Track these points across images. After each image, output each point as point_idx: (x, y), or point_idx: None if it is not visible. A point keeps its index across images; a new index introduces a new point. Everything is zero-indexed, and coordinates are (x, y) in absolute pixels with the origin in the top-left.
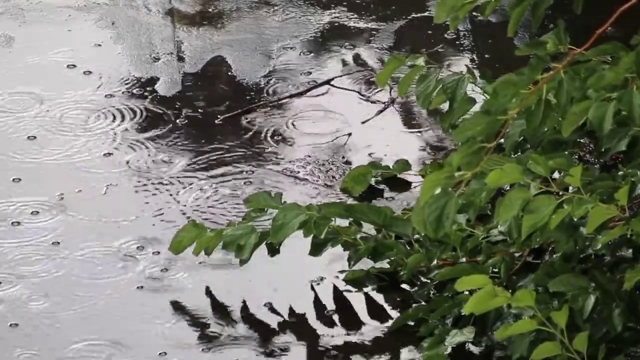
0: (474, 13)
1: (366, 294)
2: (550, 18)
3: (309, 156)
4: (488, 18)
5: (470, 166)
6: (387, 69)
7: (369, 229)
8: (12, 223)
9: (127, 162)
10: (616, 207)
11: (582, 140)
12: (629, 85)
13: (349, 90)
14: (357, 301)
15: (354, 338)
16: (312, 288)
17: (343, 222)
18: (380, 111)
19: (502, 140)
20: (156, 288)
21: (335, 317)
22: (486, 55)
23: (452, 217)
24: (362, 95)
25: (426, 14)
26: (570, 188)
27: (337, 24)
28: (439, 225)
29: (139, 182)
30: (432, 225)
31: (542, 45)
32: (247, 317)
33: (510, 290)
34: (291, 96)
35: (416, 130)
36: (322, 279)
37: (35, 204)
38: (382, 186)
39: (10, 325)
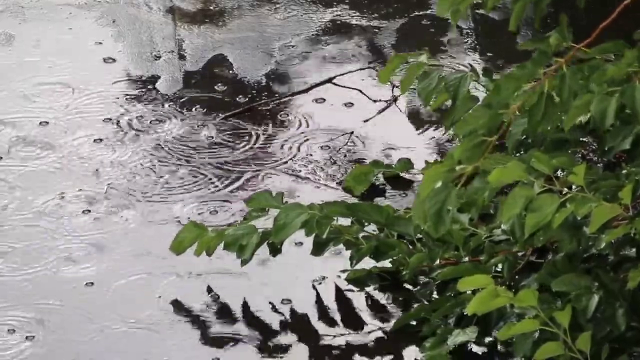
0: (477, 10)
1: (368, 294)
2: (553, 16)
3: (311, 155)
4: (490, 15)
5: (471, 160)
6: (390, 66)
7: (371, 228)
8: None
9: (128, 162)
10: (620, 206)
11: (585, 139)
12: (632, 80)
13: (351, 88)
14: (359, 301)
15: (355, 338)
16: (314, 287)
17: (345, 222)
18: (383, 109)
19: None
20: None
21: (337, 317)
22: (489, 53)
23: (453, 211)
24: (364, 94)
25: (428, 11)
26: (574, 187)
27: (339, 22)
28: (439, 219)
29: (140, 181)
30: (432, 219)
31: (546, 41)
32: (249, 316)
33: (513, 290)
34: (293, 94)
35: (418, 128)
36: (323, 278)
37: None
38: (384, 185)
39: None
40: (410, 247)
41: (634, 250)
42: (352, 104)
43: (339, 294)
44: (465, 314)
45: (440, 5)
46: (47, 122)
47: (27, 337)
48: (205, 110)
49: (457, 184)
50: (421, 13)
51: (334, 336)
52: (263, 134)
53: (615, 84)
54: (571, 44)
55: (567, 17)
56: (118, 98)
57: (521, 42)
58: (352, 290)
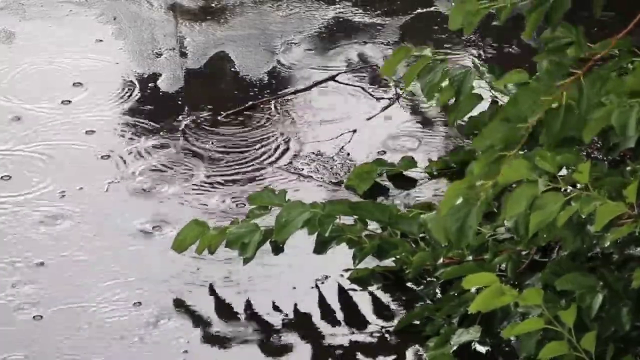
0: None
1: (371, 293)
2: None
3: (314, 153)
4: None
5: (490, 175)
6: (394, 58)
7: (374, 227)
8: None
9: (129, 160)
10: (625, 204)
11: None
12: None
13: (354, 86)
14: (362, 300)
15: (358, 337)
16: (317, 287)
17: (348, 220)
18: (386, 107)
19: None
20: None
21: (340, 316)
22: (492, 51)
23: (475, 228)
24: (367, 92)
25: (432, 9)
26: (578, 185)
27: (341, 19)
28: (461, 235)
29: (141, 179)
30: (454, 235)
31: (562, 51)
32: (251, 316)
33: (517, 289)
34: (295, 92)
35: (422, 126)
36: (326, 277)
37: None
38: (387, 183)
39: None
40: (414, 246)
41: (638, 249)
42: (355, 102)
43: (342, 293)
44: (469, 313)
45: (453, 17)
46: (46, 122)
47: None
48: (206, 108)
49: (478, 199)
50: (424, 10)
51: (337, 335)
52: (265, 132)
53: (631, 95)
54: (588, 45)
55: (582, 29)
56: (118, 96)
57: (530, 43)
58: (355, 290)
